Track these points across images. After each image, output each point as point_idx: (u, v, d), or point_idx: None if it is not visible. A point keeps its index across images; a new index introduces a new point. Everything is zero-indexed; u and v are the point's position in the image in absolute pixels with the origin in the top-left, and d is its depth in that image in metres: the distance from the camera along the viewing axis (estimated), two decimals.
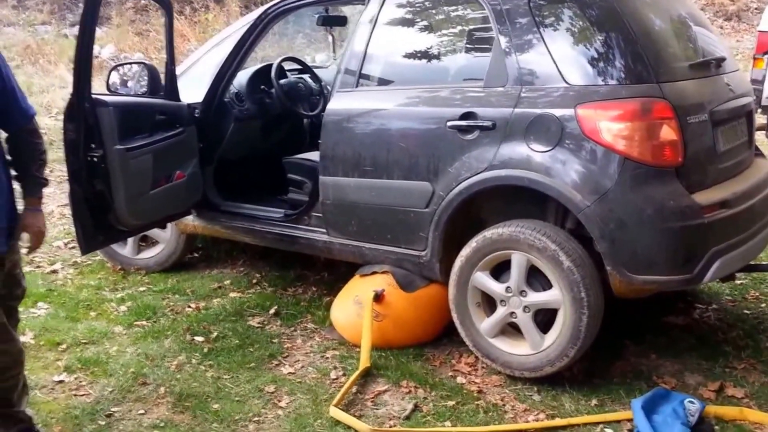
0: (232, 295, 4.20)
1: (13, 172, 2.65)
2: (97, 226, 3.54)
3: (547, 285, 3.14)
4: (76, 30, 11.04)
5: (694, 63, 3.37)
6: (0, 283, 2.52)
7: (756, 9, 13.54)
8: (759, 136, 5.11)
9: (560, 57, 3.13)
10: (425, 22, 3.79)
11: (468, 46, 3.65)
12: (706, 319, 3.83)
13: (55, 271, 4.56)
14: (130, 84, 4.02)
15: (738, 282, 4.03)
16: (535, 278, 3.18)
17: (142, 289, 4.29)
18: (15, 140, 2.60)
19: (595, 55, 3.14)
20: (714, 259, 3.01)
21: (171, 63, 3.93)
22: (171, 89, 3.94)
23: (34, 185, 2.65)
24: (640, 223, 2.98)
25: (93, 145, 3.41)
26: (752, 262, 3.50)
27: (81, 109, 3.35)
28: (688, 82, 3.23)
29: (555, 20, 3.23)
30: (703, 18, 3.91)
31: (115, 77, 3.94)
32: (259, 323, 3.84)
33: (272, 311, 3.95)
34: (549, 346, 3.14)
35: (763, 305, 3.96)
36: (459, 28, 3.71)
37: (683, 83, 3.18)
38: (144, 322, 3.85)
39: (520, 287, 3.18)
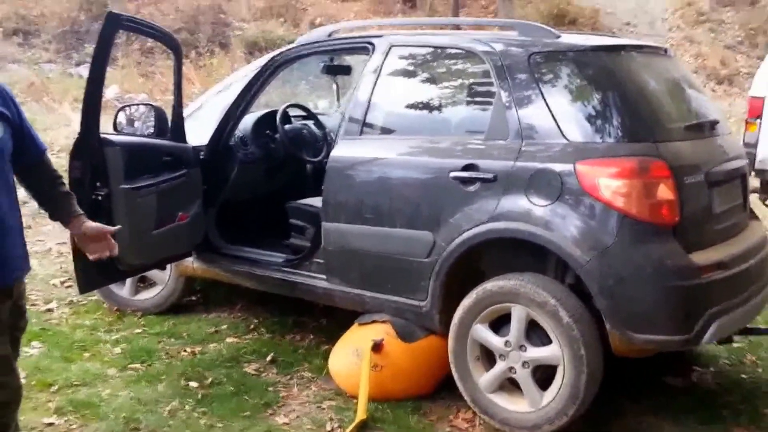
0: (228, 340, 4.16)
1: (43, 211, 2.65)
2: (97, 265, 3.51)
3: (546, 340, 3.13)
4: (81, 69, 11.26)
5: (690, 124, 3.44)
6: (8, 312, 2.51)
7: (747, 74, 13.86)
8: (752, 198, 5.15)
9: (559, 113, 3.19)
10: (429, 74, 3.85)
11: (470, 99, 3.72)
12: (704, 381, 3.80)
13: (50, 310, 4.53)
14: (136, 124, 4.06)
15: (735, 345, 4.01)
16: (535, 333, 3.16)
17: (137, 331, 4.25)
18: (31, 174, 2.61)
19: (593, 113, 3.21)
20: (712, 320, 3.02)
21: (178, 105, 3.98)
22: (177, 131, 3.97)
23: (70, 203, 2.61)
24: (638, 281, 2.99)
25: (98, 184, 3.43)
26: (749, 326, 3.49)
27: (88, 147, 3.38)
28: (684, 143, 3.28)
29: (553, 77, 3.31)
30: (695, 81, 4.01)
31: (122, 117, 3.98)
32: (255, 370, 3.80)
33: (269, 358, 3.91)
34: (548, 403, 3.11)
35: (760, 370, 3.94)
36: (461, 81, 3.78)
37: (679, 144, 3.24)
38: (138, 365, 3.81)
39: (519, 342, 3.17)
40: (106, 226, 2.63)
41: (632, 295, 3.00)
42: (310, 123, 4.80)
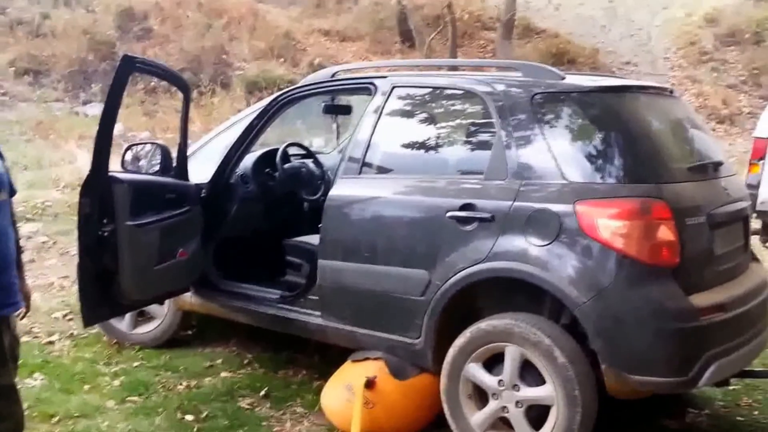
0: (223, 374, 4.18)
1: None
2: (101, 299, 3.58)
3: (540, 380, 3.11)
4: (87, 108, 11.39)
5: (693, 165, 3.43)
6: (8, 341, 2.55)
7: (749, 113, 13.80)
8: (753, 240, 5.14)
9: (560, 153, 3.20)
10: (431, 115, 3.90)
11: (470, 139, 3.75)
12: (699, 424, 3.76)
13: (51, 343, 4.56)
14: (142, 162, 4.13)
15: (731, 387, 3.97)
16: (529, 373, 3.15)
17: (135, 364, 4.28)
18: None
19: (594, 153, 3.22)
20: (710, 363, 3.00)
21: (184, 144, 4.05)
22: (181, 169, 4.04)
23: (20, 252, 2.76)
24: (636, 323, 2.98)
25: (105, 220, 3.49)
26: (746, 368, 3.46)
27: (97, 185, 3.46)
28: (687, 184, 3.28)
29: (555, 118, 3.32)
30: (700, 122, 4.00)
31: (129, 156, 4.04)
32: (249, 404, 3.81)
33: (262, 393, 3.92)
34: None
35: (756, 413, 3.89)
36: (462, 121, 3.82)
37: (682, 185, 3.24)
38: (136, 398, 3.83)
39: (513, 381, 3.15)
40: (27, 290, 2.80)
41: (629, 337, 2.99)
42: (309, 162, 4.85)
